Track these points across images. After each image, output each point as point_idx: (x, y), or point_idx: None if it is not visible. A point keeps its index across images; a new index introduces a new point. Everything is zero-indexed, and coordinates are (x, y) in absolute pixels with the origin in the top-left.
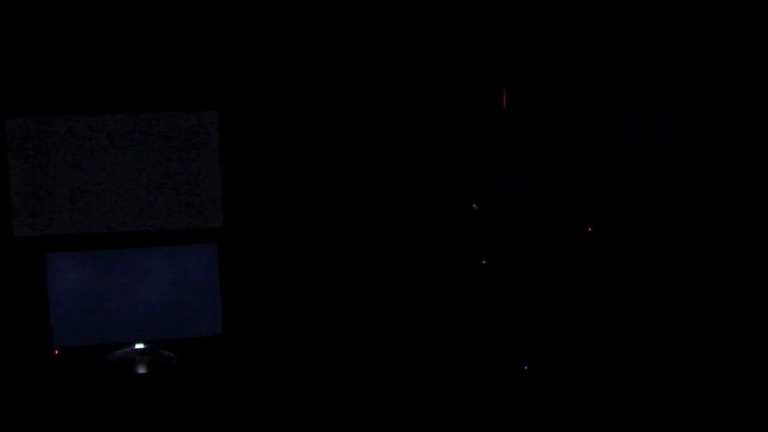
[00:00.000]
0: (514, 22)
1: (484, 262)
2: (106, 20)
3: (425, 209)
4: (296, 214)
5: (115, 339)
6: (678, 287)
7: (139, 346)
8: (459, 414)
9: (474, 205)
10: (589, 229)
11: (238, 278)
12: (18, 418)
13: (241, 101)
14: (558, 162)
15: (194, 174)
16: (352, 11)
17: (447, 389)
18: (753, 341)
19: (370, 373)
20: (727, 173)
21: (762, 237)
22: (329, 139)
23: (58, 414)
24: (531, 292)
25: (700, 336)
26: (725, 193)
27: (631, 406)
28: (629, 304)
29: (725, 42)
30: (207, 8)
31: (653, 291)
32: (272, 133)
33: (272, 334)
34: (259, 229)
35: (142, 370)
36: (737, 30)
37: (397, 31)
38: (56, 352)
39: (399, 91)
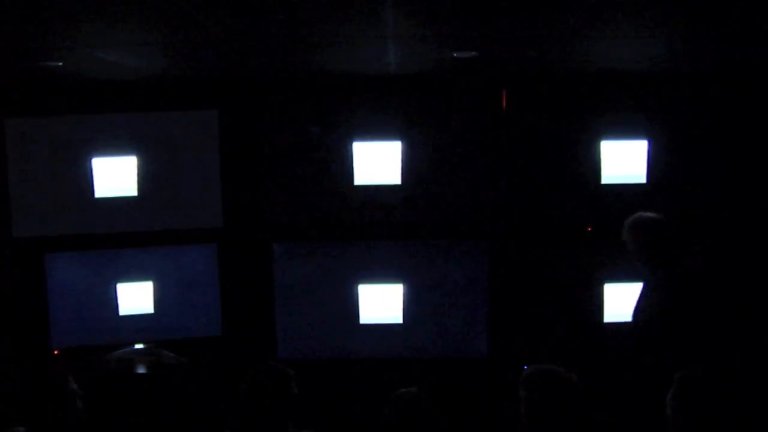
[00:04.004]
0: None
1: None
2: (106, 20)
3: (425, 208)
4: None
5: (115, 339)
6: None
7: (139, 346)
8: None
9: None
10: (589, 229)
11: (238, 278)
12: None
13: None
14: (558, 162)
15: (194, 174)
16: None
17: (446, 384)
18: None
19: (371, 370)
20: (725, 171)
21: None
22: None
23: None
24: (531, 291)
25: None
26: (725, 189)
27: (631, 405)
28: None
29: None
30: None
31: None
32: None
33: (272, 334)
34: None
35: (142, 370)
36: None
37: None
38: (56, 352)
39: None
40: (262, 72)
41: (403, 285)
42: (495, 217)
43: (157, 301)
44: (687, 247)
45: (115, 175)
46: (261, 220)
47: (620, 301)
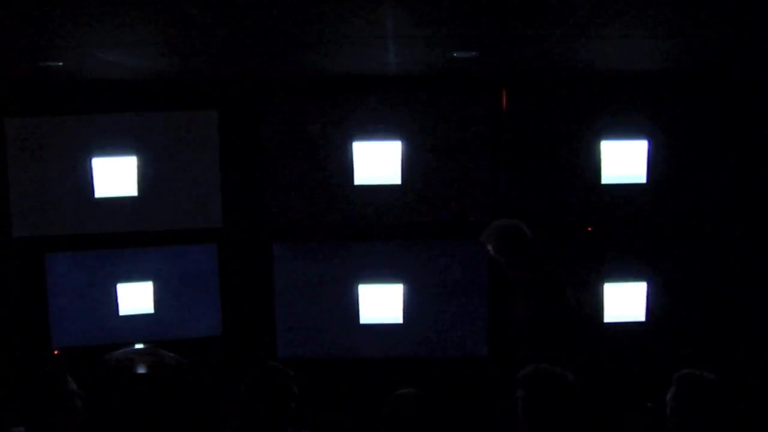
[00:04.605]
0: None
1: None
2: (106, 20)
3: (425, 208)
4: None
5: (115, 339)
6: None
7: (139, 346)
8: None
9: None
10: (590, 229)
11: (238, 278)
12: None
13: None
14: (558, 162)
15: (194, 174)
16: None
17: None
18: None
19: (371, 370)
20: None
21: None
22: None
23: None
24: (531, 292)
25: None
26: (725, 189)
27: (630, 405)
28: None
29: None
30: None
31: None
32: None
33: (272, 334)
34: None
35: (142, 370)
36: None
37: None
38: (56, 352)
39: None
40: (262, 72)
41: (403, 285)
42: (495, 217)
43: (157, 301)
44: (545, 250)
45: (115, 175)
46: (261, 220)
47: (620, 301)
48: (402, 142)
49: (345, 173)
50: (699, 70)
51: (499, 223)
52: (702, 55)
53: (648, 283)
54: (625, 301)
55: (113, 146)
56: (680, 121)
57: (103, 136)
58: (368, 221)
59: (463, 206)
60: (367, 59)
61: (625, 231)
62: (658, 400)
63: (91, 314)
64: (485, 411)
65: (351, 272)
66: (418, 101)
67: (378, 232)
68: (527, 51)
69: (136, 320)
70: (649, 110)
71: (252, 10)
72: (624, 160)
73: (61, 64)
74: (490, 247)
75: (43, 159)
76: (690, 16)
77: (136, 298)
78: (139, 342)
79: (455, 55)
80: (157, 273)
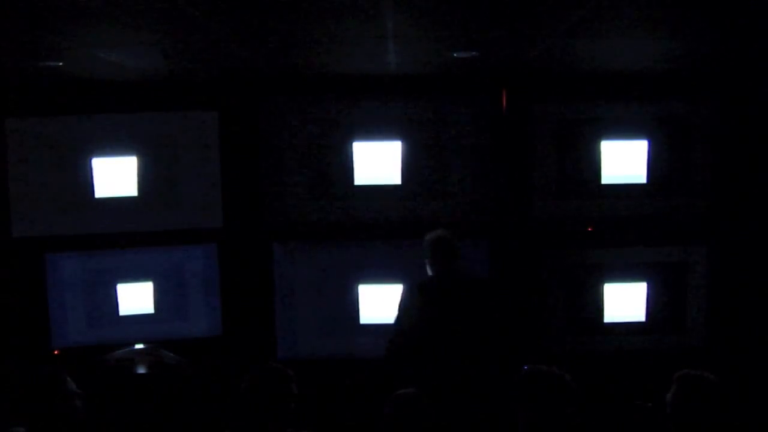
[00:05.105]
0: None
1: None
2: (106, 20)
3: (424, 208)
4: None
5: (115, 339)
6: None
7: (139, 346)
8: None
9: None
10: (590, 229)
11: (238, 278)
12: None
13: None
14: (557, 162)
15: (194, 174)
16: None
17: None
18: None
19: (371, 370)
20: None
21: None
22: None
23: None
24: (531, 292)
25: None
26: (725, 189)
27: (630, 406)
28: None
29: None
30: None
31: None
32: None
33: (272, 334)
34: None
35: (142, 370)
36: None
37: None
38: (56, 352)
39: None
40: (262, 72)
41: (403, 285)
42: (495, 217)
43: (157, 301)
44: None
45: (115, 175)
46: (261, 220)
47: (620, 301)
48: (402, 142)
49: (345, 173)
50: (699, 70)
51: (432, 234)
52: (702, 55)
53: (648, 283)
54: (625, 301)
55: (113, 146)
56: (680, 121)
57: (103, 136)
58: (368, 221)
59: (464, 206)
60: (367, 59)
61: (625, 231)
62: (658, 400)
63: (91, 314)
64: (485, 411)
65: (351, 272)
66: (418, 101)
67: (378, 232)
68: (527, 51)
69: (136, 320)
70: (649, 110)
71: (252, 11)
72: (624, 160)
73: (61, 64)
74: (427, 253)
75: (43, 159)
76: (690, 16)
77: (136, 298)
78: (139, 342)
79: (455, 55)
80: (157, 273)
